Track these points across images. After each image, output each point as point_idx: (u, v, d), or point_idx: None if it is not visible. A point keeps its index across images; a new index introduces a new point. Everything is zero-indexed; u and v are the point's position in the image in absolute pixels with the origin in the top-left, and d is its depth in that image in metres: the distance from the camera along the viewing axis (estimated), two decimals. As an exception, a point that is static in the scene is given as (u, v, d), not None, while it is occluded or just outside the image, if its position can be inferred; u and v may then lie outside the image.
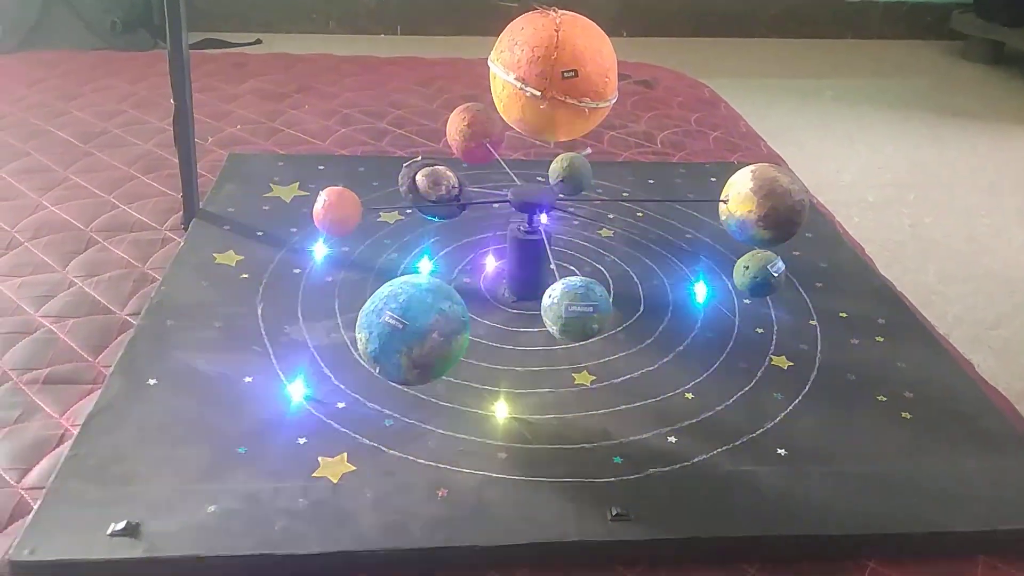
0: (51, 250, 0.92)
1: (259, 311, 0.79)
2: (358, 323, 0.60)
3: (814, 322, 0.81)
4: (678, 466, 0.62)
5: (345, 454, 0.62)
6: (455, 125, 0.87)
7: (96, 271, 0.88)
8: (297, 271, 0.85)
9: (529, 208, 0.78)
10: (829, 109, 1.88)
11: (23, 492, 0.61)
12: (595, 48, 0.70)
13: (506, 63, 0.71)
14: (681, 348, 0.76)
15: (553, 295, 0.59)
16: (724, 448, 0.64)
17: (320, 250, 0.89)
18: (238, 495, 0.58)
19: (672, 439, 0.65)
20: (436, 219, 0.84)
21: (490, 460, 0.62)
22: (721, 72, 1.48)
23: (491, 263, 0.88)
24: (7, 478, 0.62)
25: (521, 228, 0.80)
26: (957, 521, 0.59)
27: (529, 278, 0.81)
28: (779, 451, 0.64)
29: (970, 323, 1.04)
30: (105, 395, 0.67)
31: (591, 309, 0.58)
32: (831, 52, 2.56)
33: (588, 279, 0.60)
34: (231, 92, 1.39)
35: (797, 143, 1.54)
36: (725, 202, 0.84)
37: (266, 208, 0.97)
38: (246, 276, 0.84)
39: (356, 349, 0.74)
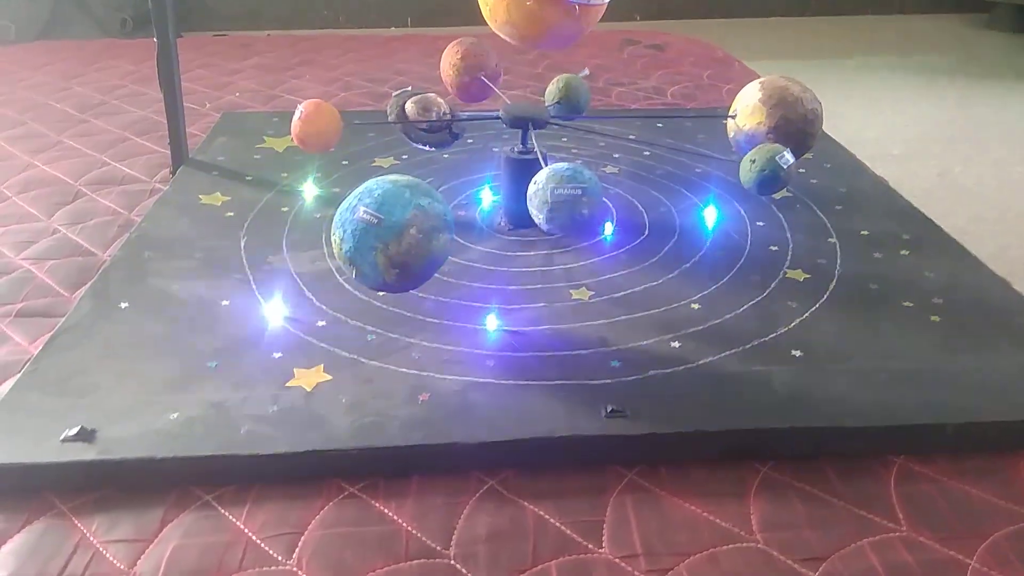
0: (38, 202, 0.89)
1: (242, 244, 0.75)
2: (333, 222, 0.56)
3: (833, 239, 0.76)
4: (682, 368, 0.57)
5: (322, 365, 0.58)
6: (448, 59, 0.83)
7: (81, 219, 0.86)
8: (285, 209, 0.82)
9: (521, 124, 0.73)
10: (851, 77, 1.80)
11: (-19, 411, 0.58)
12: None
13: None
14: (687, 266, 0.71)
15: (539, 181, 0.55)
16: (733, 351, 0.59)
17: (310, 190, 0.85)
18: (203, 403, 0.54)
19: (675, 344, 0.60)
20: (427, 147, 0.80)
21: (477, 367, 0.57)
22: (736, 52, 1.43)
23: (487, 197, 0.83)
24: (-34, 399, 0.59)
25: (515, 149, 0.76)
26: (992, 412, 0.52)
27: (524, 202, 0.76)
28: (794, 352, 0.59)
29: (1005, 260, 0.97)
30: (73, 316, 0.63)
31: (579, 191, 0.53)
32: (851, 29, 2.49)
33: (577, 163, 0.55)
34: (233, 67, 1.37)
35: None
36: (733, 117, 0.80)
37: (257, 157, 0.94)
38: (231, 214, 0.80)
39: (341, 275, 0.71)
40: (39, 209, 0.88)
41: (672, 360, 0.58)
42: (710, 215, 0.79)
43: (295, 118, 0.68)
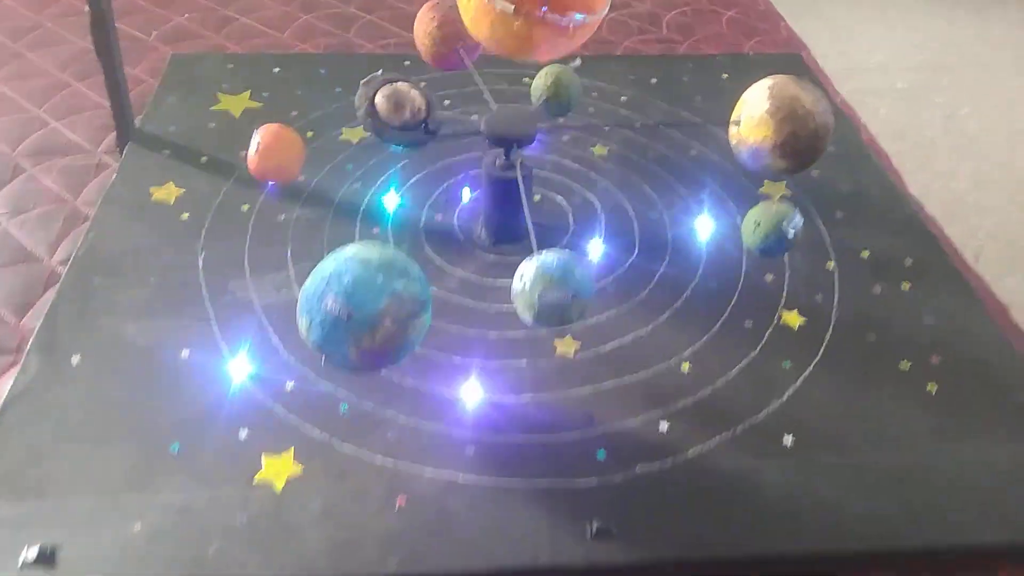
0: (-29, 182, 0.81)
1: (200, 262, 0.69)
2: (299, 305, 0.51)
3: (832, 264, 0.72)
4: (669, 462, 0.55)
5: (292, 450, 0.55)
6: (422, 26, 0.74)
7: (23, 206, 0.78)
8: (246, 207, 0.75)
9: (505, 143, 0.66)
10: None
11: (-69, 499, 0.54)
12: (581, -53, 0.57)
13: (469, -35, 0.58)
14: (678, 304, 0.67)
15: (524, 278, 0.50)
16: (723, 435, 0.56)
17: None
18: (168, 508, 0.51)
19: (664, 426, 0.57)
20: (400, 148, 0.72)
21: (456, 457, 0.55)
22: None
23: (467, 194, 0.77)
24: (-87, 482, 0.55)
25: (497, 163, 0.69)
26: (983, 531, 0.51)
27: (507, 221, 0.70)
28: (785, 439, 0.56)
29: (1004, 241, 0.94)
30: (22, 377, 0.59)
31: (569, 296, 0.49)
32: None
33: (566, 255, 0.50)
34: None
35: (824, 16, 1.37)
36: (737, 124, 0.73)
37: (212, 126, 0.85)
38: (186, 216, 0.74)
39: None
40: (-27, 192, 0.80)
41: (661, 449, 0.55)
42: (703, 225, 0.74)
43: (251, 151, 0.60)
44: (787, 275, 0.70)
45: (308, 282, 0.52)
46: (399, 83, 0.70)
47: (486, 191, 0.70)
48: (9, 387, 0.58)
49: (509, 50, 0.61)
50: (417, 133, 0.72)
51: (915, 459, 0.56)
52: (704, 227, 0.74)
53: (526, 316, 0.50)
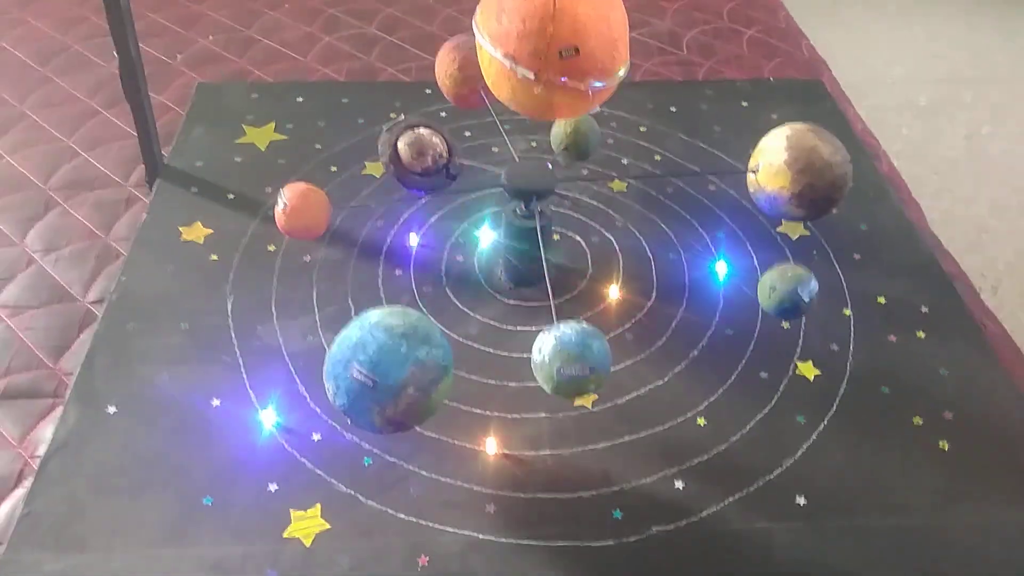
0: (8, 215, 0.84)
1: (229, 306, 0.71)
2: (325, 369, 0.53)
3: (848, 311, 0.72)
4: (684, 523, 0.56)
5: (319, 506, 0.57)
6: (443, 67, 0.75)
7: (56, 243, 0.81)
8: (272, 247, 0.77)
9: (525, 195, 0.68)
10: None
11: (-21, 550, 0.57)
12: (601, 15, 0.57)
13: (492, 34, 0.58)
14: (696, 353, 0.68)
15: (544, 351, 0.51)
16: (736, 497, 0.58)
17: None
18: (203, 563, 0.54)
19: (679, 485, 0.59)
20: (423, 193, 0.74)
21: (477, 515, 0.57)
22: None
23: (486, 236, 0.78)
24: (-39, 531, 0.58)
25: (517, 212, 0.70)
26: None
27: (526, 266, 0.72)
28: (798, 499, 0.58)
29: (1023, 273, 0.94)
30: (62, 428, 0.61)
31: (587, 372, 0.50)
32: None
33: (584, 329, 0.51)
34: (204, -14, 1.23)
35: (845, 24, 1.35)
36: (755, 172, 0.74)
37: (238, 160, 0.87)
38: (215, 258, 0.76)
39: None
40: (10, 227, 0.82)
41: (675, 510, 0.57)
42: (721, 268, 0.75)
43: (279, 209, 0.62)
44: (803, 322, 0.71)
45: (334, 348, 0.53)
46: (421, 129, 0.71)
47: (506, 238, 0.72)
48: (50, 438, 0.61)
49: (530, 112, 0.62)
50: (439, 178, 0.73)
51: (924, 522, 0.57)
52: (721, 270, 0.75)
53: (545, 387, 0.52)
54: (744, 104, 0.98)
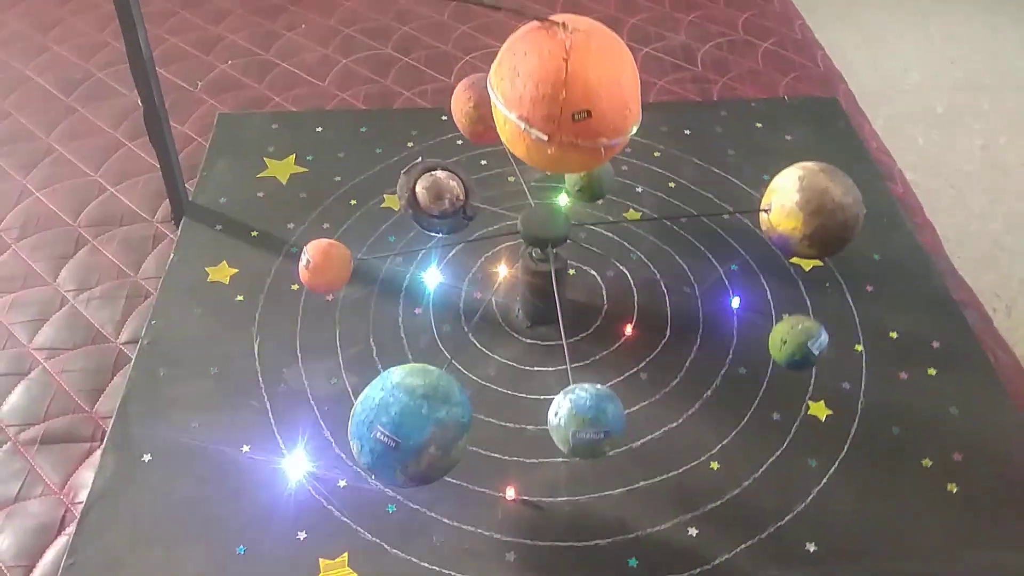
0: (41, 253, 0.87)
1: (256, 349, 0.74)
2: (350, 429, 0.55)
3: (860, 347, 0.74)
4: (697, 571, 0.58)
5: (346, 555, 0.60)
6: (459, 105, 0.76)
7: (87, 282, 0.83)
8: (295, 287, 0.79)
9: (539, 243, 0.69)
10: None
11: (27, 598, 0.61)
12: (613, 78, 0.58)
13: (506, 96, 0.60)
14: (709, 393, 0.70)
15: (560, 414, 0.53)
16: (748, 544, 0.60)
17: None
18: (237, 615, 0.57)
19: (693, 532, 0.61)
20: (440, 233, 0.75)
21: (497, 564, 0.59)
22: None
23: (504, 271, 0.80)
24: (10, 579, 0.62)
25: (533, 255, 0.72)
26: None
27: (543, 307, 0.73)
28: (808, 546, 0.60)
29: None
30: (99, 477, 0.64)
31: (601, 435, 0.52)
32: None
33: (599, 393, 0.53)
34: (221, 6, 1.25)
35: (860, 26, 1.34)
36: (767, 212, 0.75)
37: (260, 195, 0.89)
38: (241, 299, 0.78)
39: (357, 396, 0.70)
40: (43, 266, 0.85)
41: (689, 557, 0.59)
42: (734, 303, 0.77)
43: (302, 265, 0.64)
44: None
45: (358, 407, 0.56)
46: (438, 172, 0.72)
47: (523, 279, 0.73)
48: (90, 486, 0.64)
49: (544, 167, 0.64)
50: (455, 220, 0.75)
51: (933, 568, 0.59)
52: (735, 305, 0.77)
53: (562, 448, 0.54)
54: (758, 125, 0.99)
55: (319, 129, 0.98)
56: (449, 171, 0.73)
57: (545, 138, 0.59)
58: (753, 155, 0.94)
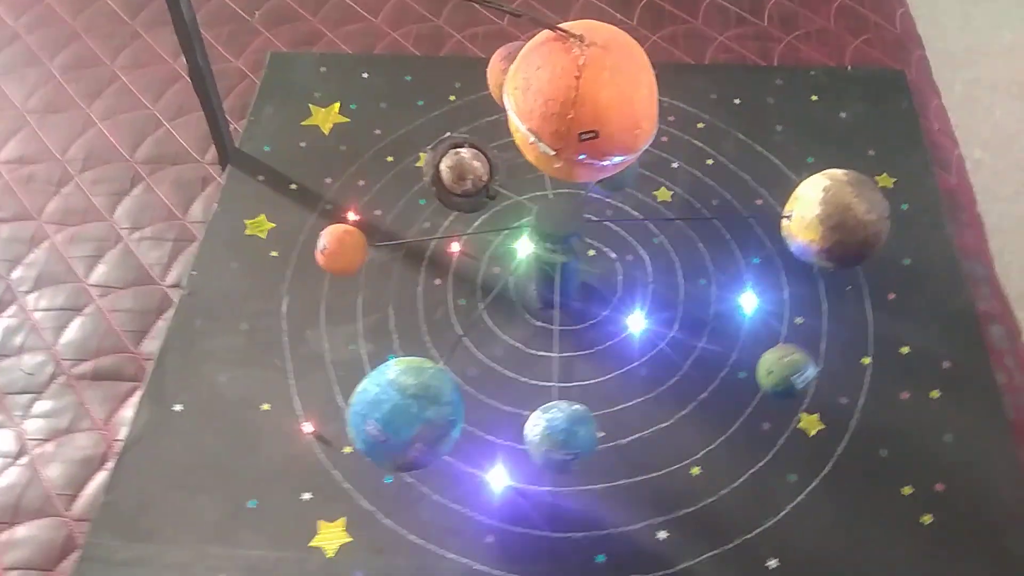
0: (99, 188, 0.92)
1: (284, 308, 0.79)
2: (347, 415, 0.60)
3: (868, 360, 0.73)
4: (659, 574, 0.62)
5: (344, 520, 0.66)
6: (494, 76, 0.76)
7: (140, 221, 0.89)
8: (326, 246, 0.83)
9: (552, 239, 0.70)
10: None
11: (72, 524, 0.69)
12: (624, 98, 0.57)
13: (518, 107, 0.60)
14: (704, 395, 0.71)
15: (535, 431, 0.56)
16: (712, 554, 0.63)
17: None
18: (241, 564, 0.64)
19: (662, 535, 0.64)
20: (461, 211, 0.77)
21: (476, 545, 0.64)
22: None
23: (524, 247, 0.82)
24: (58, 506, 0.70)
25: (546, 245, 0.73)
26: None
27: (553, 294, 0.75)
28: (769, 562, 0.63)
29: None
30: (136, 424, 0.71)
31: (571, 457, 0.55)
32: None
33: (574, 415, 0.56)
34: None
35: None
36: (788, 218, 0.74)
37: (303, 145, 0.91)
38: (275, 255, 0.82)
39: (371, 363, 0.75)
40: (101, 201, 0.91)
41: (654, 560, 0.63)
42: (747, 302, 0.77)
43: (318, 250, 0.67)
44: (819, 369, 0.73)
45: (355, 398, 0.60)
46: (463, 151, 0.73)
47: (535, 264, 0.75)
48: (127, 431, 0.71)
49: (552, 175, 0.64)
50: (477, 200, 0.76)
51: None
52: (747, 304, 0.77)
53: (534, 461, 0.58)
54: (813, 98, 0.94)
55: (365, 75, 0.98)
56: (476, 148, 0.74)
57: (552, 153, 0.60)
58: (802, 133, 0.91)
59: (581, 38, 0.58)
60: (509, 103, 0.61)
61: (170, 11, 0.76)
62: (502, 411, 0.71)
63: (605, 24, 0.60)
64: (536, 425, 0.57)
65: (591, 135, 0.58)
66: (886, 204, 0.67)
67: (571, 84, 0.57)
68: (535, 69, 0.59)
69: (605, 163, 0.60)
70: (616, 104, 0.58)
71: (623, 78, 0.58)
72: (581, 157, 0.59)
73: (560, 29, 0.58)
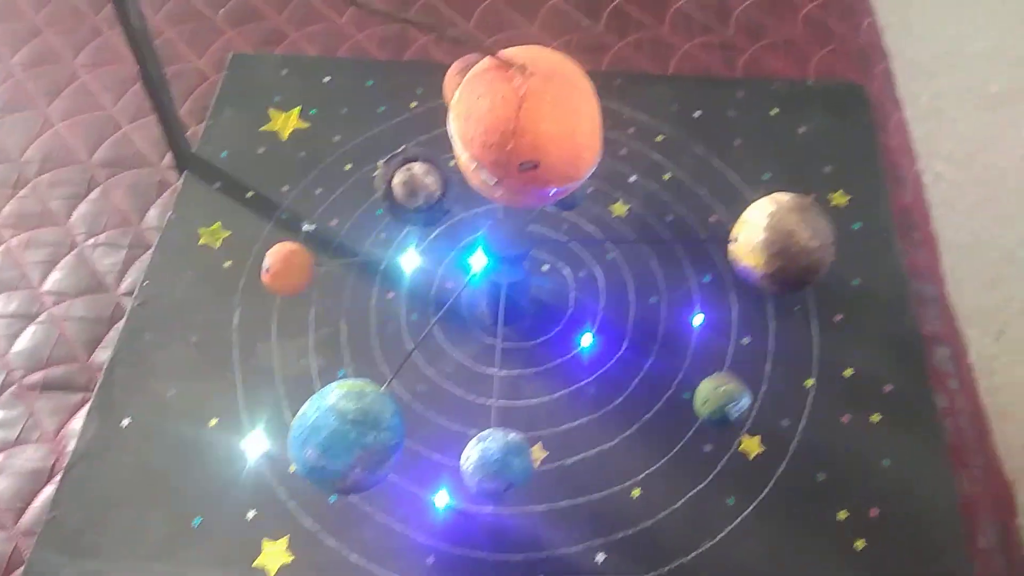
0: (56, 192, 0.92)
1: (235, 320, 0.79)
2: (288, 439, 0.61)
3: (811, 382, 0.74)
4: (595, 597, 0.64)
5: (287, 538, 0.67)
6: (449, 89, 0.75)
7: (96, 226, 0.89)
8: (280, 257, 0.83)
9: (499, 262, 0.70)
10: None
11: (19, 538, 0.70)
12: (567, 129, 0.57)
13: (461, 133, 0.59)
14: (649, 416, 0.72)
15: (469, 460, 0.57)
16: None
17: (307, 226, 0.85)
18: (185, 584, 0.65)
19: (599, 558, 0.65)
20: (415, 226, 0.77)
21: (417, 567, 0.65)
22: None
23: (479, 261, 0.82)
24: (5, 520, 0.71)
25: (495, 265, 0.73)
26: None
27: (506, 311, 0.76)
28: (704, 586, 0.64)
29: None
30: (83, 438, 0.72)
31: (504, 486, 0.56)
32: None
33: (509, 446, 0.56)
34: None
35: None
36: (734, 241, 0.74)
37: (260, 152, 0.91)
38: (228, 264, 0.82)
39: (321, 378, 0.76)
40: (58, 205, 0.91)
41: (590, 582, 0.64)
42: (696, 321, 0.77)
43: (263, 270, 0.67)
44: (763, 391, 0.74)
45: (295, 423, 0.60)
46: (416, 167, 0.73)
47: (487, 288, 0.75)
48: (73, 446, 0.72)
49: (496, 201, 0.64)
50: (430, 215, 0.76)
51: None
52: (696, 323, 0.77)
53: (468, 487, 0.58)
54: (774, 112, 0.94)
55: (327, 79, 0.98)
56: (429, 164, 0.74)
57: (493, 182, 0.60)
58: (760, 147, 0.91)
59: (523, 67, 0.58)
60: (452, 127, 0.61)
61: (120, 21, 0.75)
62: (448, 429, 0.72)
63: (549, 50, 0.60)
64: (470, 455, 0.57)
65: (531, 166, 0.58)
66: (831, 230, 0.68)
67: (511, 115, 0.57)
68: (476, 97, 0.59)
69: (547, 192, 0.61)
70: (557, 135, 0.58)
71: (565, 109, 0.58)
72: (522, 187, 0.59)
73: (502, 58, 0.58)
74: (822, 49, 1.04)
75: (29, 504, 0.71)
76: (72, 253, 0.87)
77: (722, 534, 0.66)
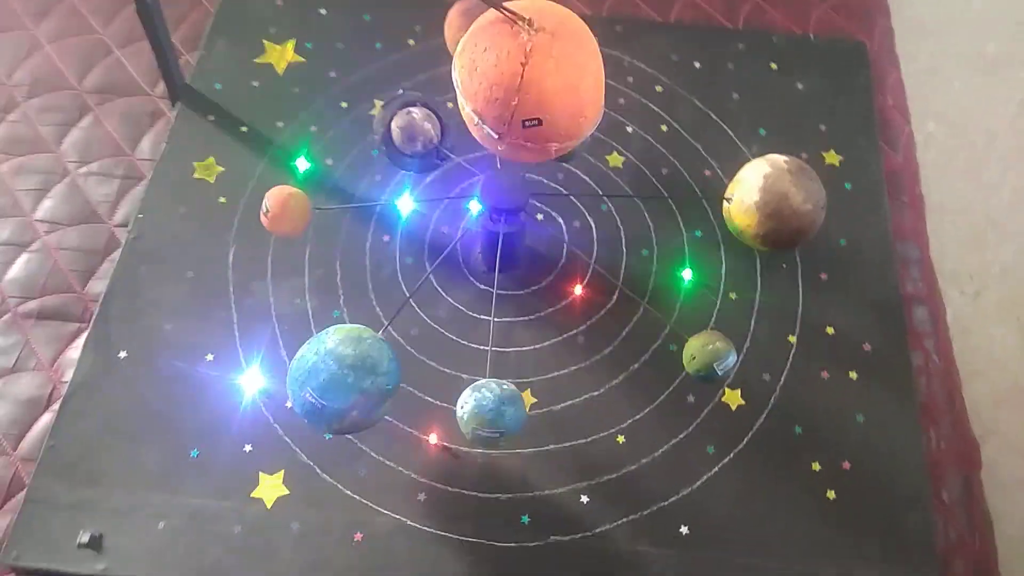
0: (47, 118, 0.90)
1: (230, 257, 0.79)
2: (287, 380, 0.62)
3: (793, 338, 0.77)
4: (579, 536, 0.66)
5: (283, 472, 0.69)
6: (451, 31, 0.75)
7: (88, 154, 0.88)
8: (276, 195, 0.83)
9: (496, 212, 0.71)
10: None
11: (18, 463, 0.71)
12: (570, 85, 0.58)
13: (464, 87, 0.59)
14: (636, 366, 0.75)
15: (465, 409, 0.59)
16: (629, 519, 0.67)
17: (302, 164, 0.85)
18: (184, 511, 0.67)
19: (584, 499, 0.68)
20: (411, 171, 0.77)
21: (409, 502, 0.68)
22: None
23: (475, 207, 0.82)
24: (4, 444, 0.72)
25: (492, 217, 0.74)
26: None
27: (500, 259, 0.77)
28: (682, 528, 0.67)
29: (1016, 279, 0.94)
30: (80, 370, 0.73)
31: (498, 435, 0.58)
32: None
33: (503, 396, 0.58)
34: None
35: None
36: (728, 201, 0.75)
37: (255, 85, 0.90)
38: (223, 200, 0.82)
39: (315, 319, 0.77)
40: (49, 131, 0.89)
41: (574, 522, 0.67)
42: (686, 275, 0.79)
43: (262, 213, 0.67)
44: (747, 345, 0.76)
45: (294, 364, 0.62)
46: (415, 111, 0.73)
47: (482, 235, 0.76)
48: (70, 376, 0.73)
49: (497, 155, 0.65)
50: (427, 161, 0.76)
51: (792, 570, 0.66)
52: (686, 276, 0.79)
53: (463, 435, 0.60)
54: (773, 66, 0.94)
55: (323, 11, 0.96)
56: (427, 110, 0.74)
57: (495, 136, 0.60)
58: (757, 102, 0.92)
59: (530, 22, 0.57)
60: (456, 79, 0.61)
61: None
62: (442, 373, 0.74)
63: (556, 5, 0.60)
64: (466, 403, 0.59)
65: (534, 123, 0.59)
66: (823, 194, 0.69)
67: (516, 70, 0.57)
68: (481, 51, 0.58)
69: (548, 149, 0.61)
70: (561, 92, 0.58)
71: (570, 66, 0.58)
72: (525, 143, 0.60)
73: (508, 11, 0.58)
74: (824, 2, 1.03)
75: (27, 431, 0.73)
76: (64, 181, 0.86)
77: (700, 481, 0.69)
